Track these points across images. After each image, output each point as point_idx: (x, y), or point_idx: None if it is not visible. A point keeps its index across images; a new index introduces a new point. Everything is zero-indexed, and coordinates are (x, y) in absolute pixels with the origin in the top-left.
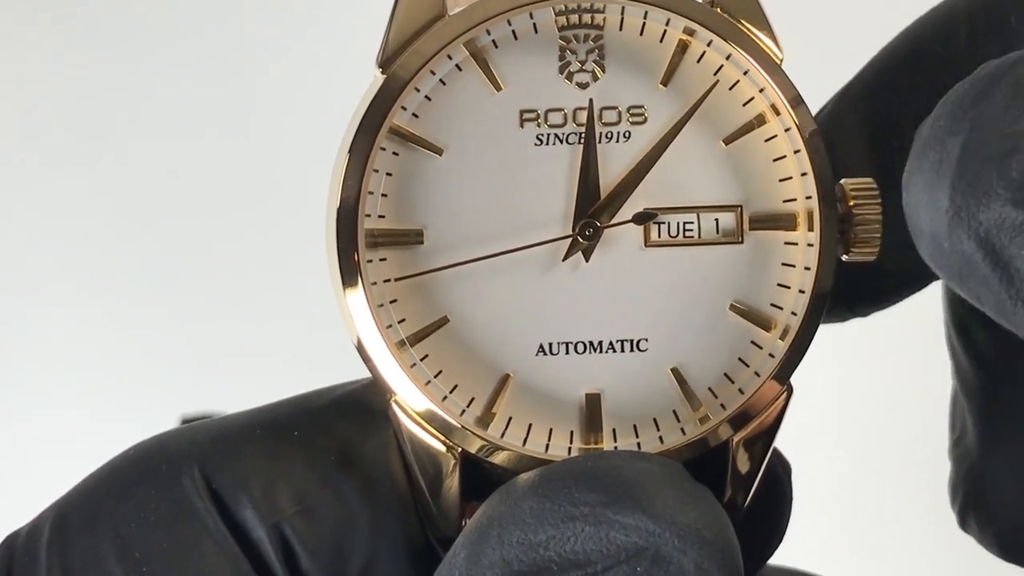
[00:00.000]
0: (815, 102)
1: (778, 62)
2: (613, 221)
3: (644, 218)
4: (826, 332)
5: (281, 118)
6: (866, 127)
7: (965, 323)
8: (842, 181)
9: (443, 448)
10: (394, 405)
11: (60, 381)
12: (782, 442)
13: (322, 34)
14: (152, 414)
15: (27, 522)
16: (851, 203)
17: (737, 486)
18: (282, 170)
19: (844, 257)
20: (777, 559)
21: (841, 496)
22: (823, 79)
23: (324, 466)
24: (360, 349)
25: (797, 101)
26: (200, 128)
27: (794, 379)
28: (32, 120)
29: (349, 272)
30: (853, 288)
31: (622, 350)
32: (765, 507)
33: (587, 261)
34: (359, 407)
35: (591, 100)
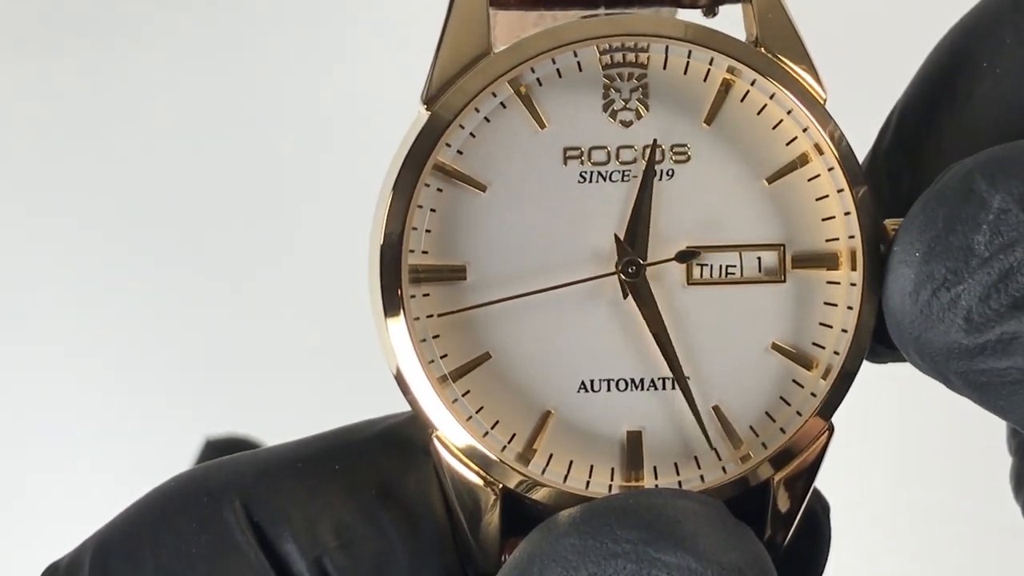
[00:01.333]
0: (858, 141)
1: (821, 101)
2: (656, 259)
3: (686, 256)
4: (868, 371)
5: (299, 120)
6: (907, 163)
7: None
8: (885, 221)
9: (483, 484)
10: (435, 440)
11: (61, 388)
12: (820, 480)
13: (335, 35)
14: (165, 421)
15: (66, 553)
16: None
17: (777, 525)
18: (295, 172)
19: None
20: None
21: (876, 532)
22: (868, 118)
23: (365, 500)
24: (400, 382)
25: (840, 140)
26: (215, 130)
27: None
28: (33, 120)
29: (392, 307)
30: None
31: (663, 388)
32: (804, 546)
33: (629, 298)
34: (400, 441)
35: (655, 140)
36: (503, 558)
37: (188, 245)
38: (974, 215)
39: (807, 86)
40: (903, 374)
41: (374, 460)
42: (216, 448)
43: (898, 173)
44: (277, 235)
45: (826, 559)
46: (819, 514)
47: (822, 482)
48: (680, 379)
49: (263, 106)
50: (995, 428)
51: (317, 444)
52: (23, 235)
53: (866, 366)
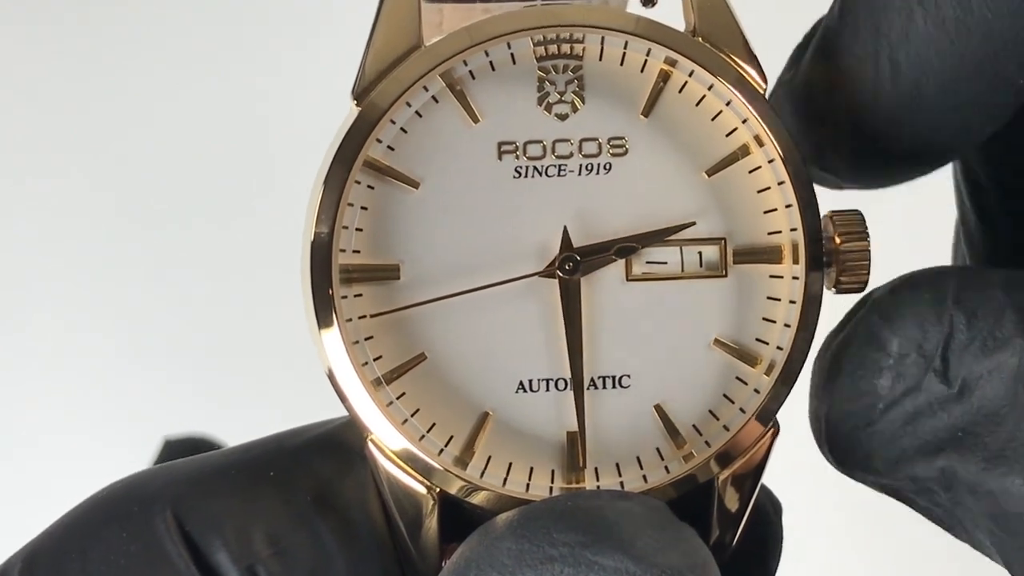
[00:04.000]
0: None
1: (762, 92)
2: (594, 255)
3: (625, 251)
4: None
5: (290, 119)
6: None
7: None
8: (828, 212)
9: (422, 489)
10: (370, 444)
11: (49, 384)
12: (771, 479)
13: (324, 37)
14: (142, 416)
15: None
16: (838, 236)
17: (724, 525)
18: (286, 172)
19: (831, 290)
20: None
21: (833, 530)
22: None
23: (300, 506)
24: (334, 384)
25: (781, 131)
26: (210, 129)
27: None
28: (33, 120)
29: (323, 308)
30: (862, 157)
31: (604, 387)
32: (754, 546)
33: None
34: (336, 446)
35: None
36: (443, 563)
37: (176, 241)
38: (877, 359)
39: (747, 76)
40: None
41: (310, 466)
42: (175, 448)
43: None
44: (264, 230)
45: (778, 560)
46: (770, 513)
47: (774, 482)
48: (578, 386)
49: (252, 102)
50: None
51: (252, 451)
52: (17, 231)
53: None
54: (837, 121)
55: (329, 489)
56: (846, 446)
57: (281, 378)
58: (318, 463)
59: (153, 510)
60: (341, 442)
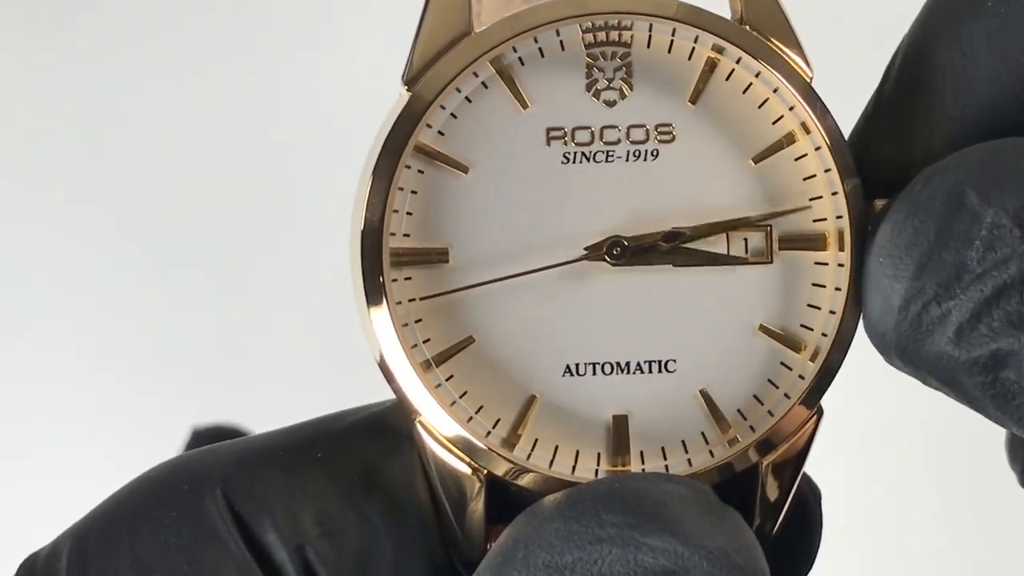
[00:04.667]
0: (845, 118)
1: (808, 80)
2: (642, 240)
3: (672, 237)
4: (858, 352)
5: (297, 119)
6: (896, 142)
7: None
8: (876, 201)
9: (468, 471)
10: (419, 426)
11: (62, 382)
12: (811, 466)
13: (333, 35)
14: (159, 414)
15: (45, 545)
16: None
17: (766, 511)
18: (295, 171)
19: None
20: None
21: (870, 520)
22: (855, 97)
23: (348, 488)
24: (383, 368)
25: (827, 119)
26: (219, 130)
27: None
28: (34, 120)
29: (374, 291)
30: None
31: (650, 371)
32: (795, 533)
33: (612, 280)
34: (383, 428)
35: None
36: (488, 546)
37: (180, 239)
38: (966, 230)
39: (793, 64)
40: None
41: (357, 447)
42: (203, 437)
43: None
44: (270, 228)
45: (818, 547)
46: (810, 500)
47: (814, 468)
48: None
49: (253, 101)
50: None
51: (299, 432)
52: (16, 232)
53: (860, 348)
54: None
55: (376, 471)
56: (921, 320)
57: (295, 379)
58: (364, 445)
59: (203, 490)
60: (387, 425)
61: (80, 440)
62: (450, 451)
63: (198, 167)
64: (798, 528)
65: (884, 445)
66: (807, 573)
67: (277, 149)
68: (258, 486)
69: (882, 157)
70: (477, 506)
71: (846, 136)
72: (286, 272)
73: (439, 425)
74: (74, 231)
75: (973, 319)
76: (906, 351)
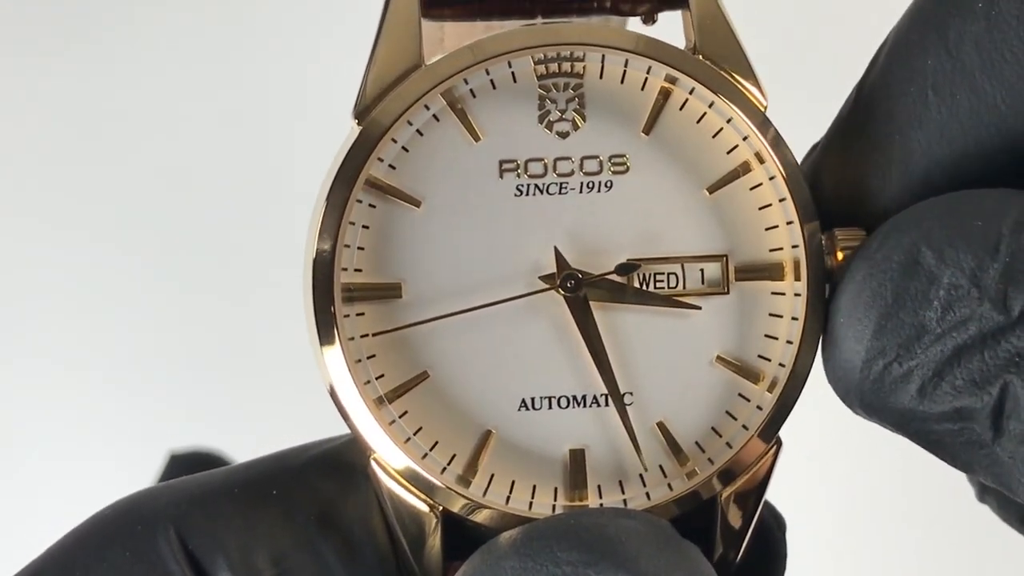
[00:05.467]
0: (800, 146)
1: (762, 109)
2: (595, 273)
3: (626, 269)
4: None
5: (294, 121)
6: (853, 170)
7: None
8: (833, 230)
9: (425, 507)
10: (373, 463)
11: (55, 396)
12: (775, 496)
13: (327, 36)
14: (159, 414)
15: None
16: (840, 253)
17: (728, 542)
18: (293, 174)
19: None
20: None
21: (834, 547)
22: (811, 125)
23: (303, 526)
24: (336, 403)
25: (781, 148)
26: (221, 139)
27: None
28: (35, 120)
29: (325, 327)
30: None
31: (606, 404)
32: (758, 563)
33: (568, 314)
34: (339, 465)
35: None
36: None
37: (180, 251)
38: (923, 291)
39: (747, 94)
40: None
41: (313, 484)
42: (180, 463)
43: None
44: (273, 235)
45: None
46: (774, 529)
47: (779, 499)
48: (616, 397)
49: (255, 110)
50: None
51: (254, 469)
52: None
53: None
54: (844, 204)
55: (332, 508)
56: (883, 378)
57: (289, 392)
58: (321, 482)
59: (156, 530)
60: (344, 460)
61: (79, 440)
62: (406, 488)
63: (199, 170)
64: (762, 556)
65: (852, 473)
66: None
67: (284, 161)
68: (212, 525)
69: (838, 186)
70: (434, 542)
71: (801, 165)
72: (290, 288)
73: (394, 462)
74: (73, 231)
75: (936, 378)
76: (871, 406)
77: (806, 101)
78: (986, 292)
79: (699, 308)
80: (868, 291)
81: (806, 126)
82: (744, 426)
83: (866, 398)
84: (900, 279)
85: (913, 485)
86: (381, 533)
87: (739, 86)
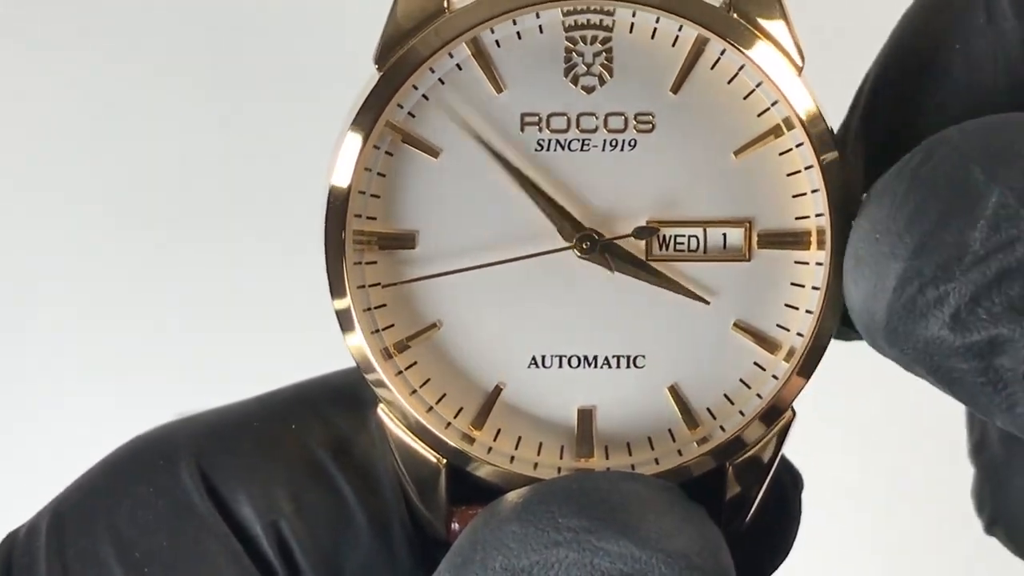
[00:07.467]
0: (837, 108)
1: (797, 70)
2: (614, 235)
3: (644, 233)
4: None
5: (291, 115)
6: (880, 138)
7: None
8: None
9: (431, 458)
10: (380, 412)
11: (57, 380)
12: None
13: (327, 26)
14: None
15: (25, 521)
16: None
17: (737, 507)
18: (291, 166)
19: None
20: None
21: (851, 509)
22: (846, 84)
23: (321, 461)
24: (350, 352)
25: (812, 114)
26: (221, 132)
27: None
28: (35, 120)
29: (336, 274)
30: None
31: (618, 366)
32: (772, 521)
33: (582, 273)
34: (355, 398)
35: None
36: (452, 525)
37: (184, 243)
38: (970, 209)
39: (782, 55)
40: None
41: (330, 418)
42: None
43: (871, 148)
44: (277, 231)
45: (794, 536)
46: (787, 488)
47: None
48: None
49: (257, 100)
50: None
51: (272, 402)
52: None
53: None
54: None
55: (349, 443)
56: (916, 301)
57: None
58: (338, 416)
59: (178, 464)
60: (360, 397)
61: (79, 441)
62: (412, 438)
63: (199, 170)
64: (775, 516)
65: (871, 437)
66: (781, 562)
67: (286, 149)
68: (233, 459)
69: (892, 113)
70: (440, 488)
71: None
72: (294, 271)
73: (398, 413)
74: (73, 231)
75: (972, 303)
76: (896, 333)
77: (844, 57)
78: None
79: (707, 303)
80: (911, 206)
81: (848, 85)
82: (758, 395)
83: (893, 322)
84: (947, 195)
85: (927, 470)
86: (395, 472)
87: (774, 45)
